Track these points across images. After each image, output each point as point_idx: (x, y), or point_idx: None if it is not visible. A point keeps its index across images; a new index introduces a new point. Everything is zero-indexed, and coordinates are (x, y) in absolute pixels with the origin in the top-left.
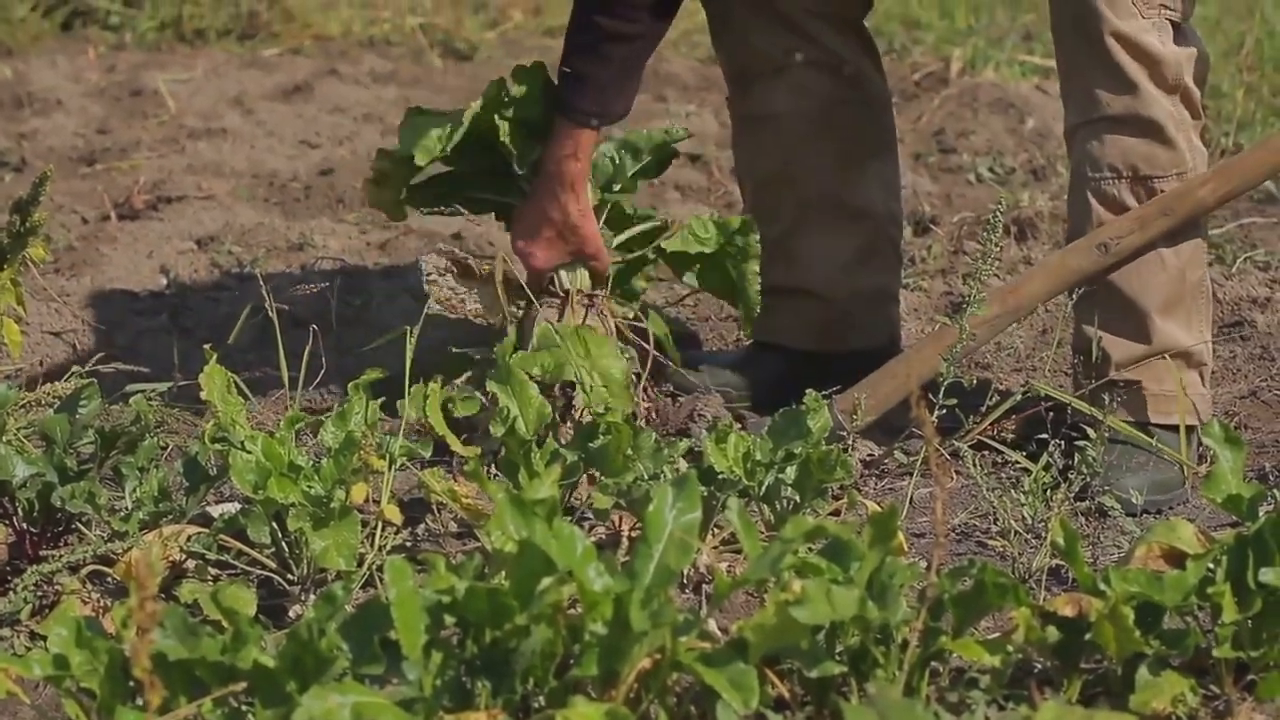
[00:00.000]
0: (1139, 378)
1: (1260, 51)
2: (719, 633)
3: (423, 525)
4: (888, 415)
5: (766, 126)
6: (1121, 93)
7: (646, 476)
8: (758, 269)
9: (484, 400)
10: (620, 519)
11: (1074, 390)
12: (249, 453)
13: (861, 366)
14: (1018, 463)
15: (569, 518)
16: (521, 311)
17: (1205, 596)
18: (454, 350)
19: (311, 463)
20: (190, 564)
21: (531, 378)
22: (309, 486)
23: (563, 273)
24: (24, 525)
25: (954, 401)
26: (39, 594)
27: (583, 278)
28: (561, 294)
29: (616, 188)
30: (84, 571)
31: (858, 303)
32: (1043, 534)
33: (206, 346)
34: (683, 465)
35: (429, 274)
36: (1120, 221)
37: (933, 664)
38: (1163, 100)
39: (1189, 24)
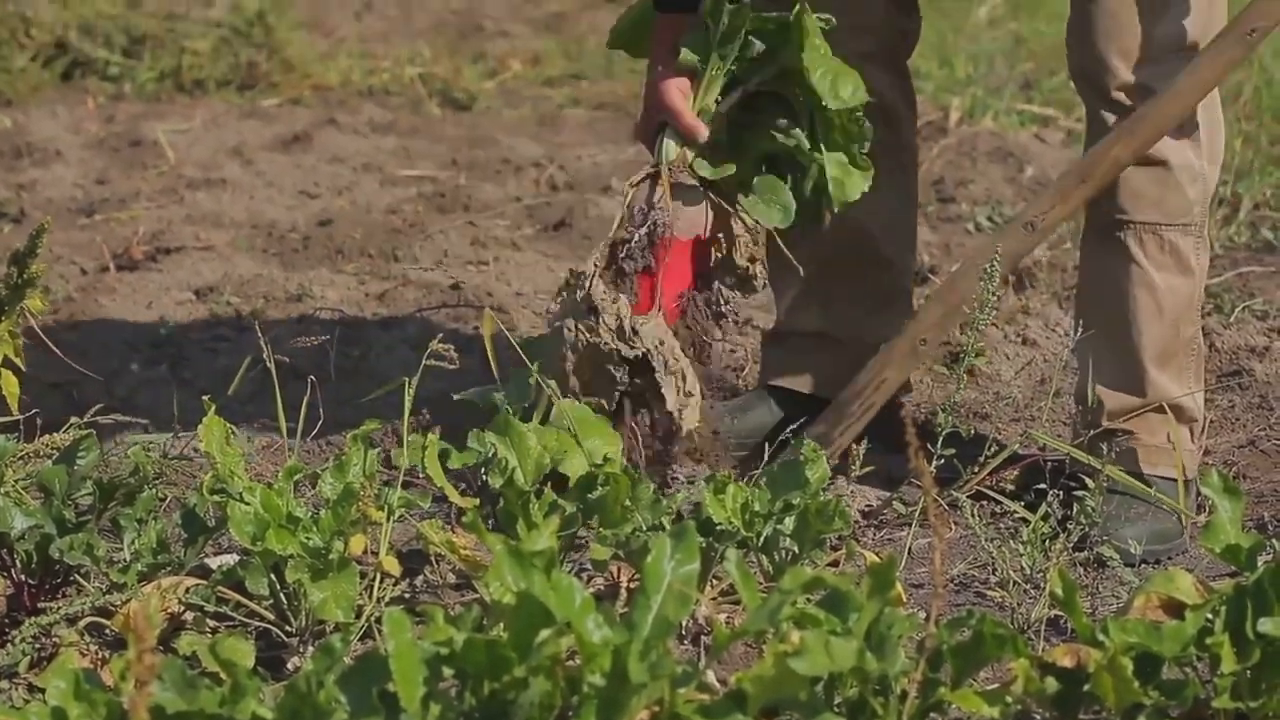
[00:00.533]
0: (1133, 429)
1: (1258, 100)
2: (718, 684)
3: (421, 576)
4: (887, 465)
5: None
6: None
7: (645, 527)
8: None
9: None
10: (619, 570)
11: (1073, 440)
12: (247, 504)
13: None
14: (1016, 513)
15: (567, 566)
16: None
17: (1204, 647)
18: (456, 399)
19: (310, 514)
20: (189, 616)
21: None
22: (307, 538)
23: (659, 147)
24: (22, 577)
25: (952, 451)
26: (37, 646)
27: (670, 149)
28: (651, 169)
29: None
30: (82, 623)
31: (871, 352)
32: (1041, 584)
33: (205, 397)
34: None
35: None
36: (1042, 198)
37: (931, 715)
38: (1178, 146)
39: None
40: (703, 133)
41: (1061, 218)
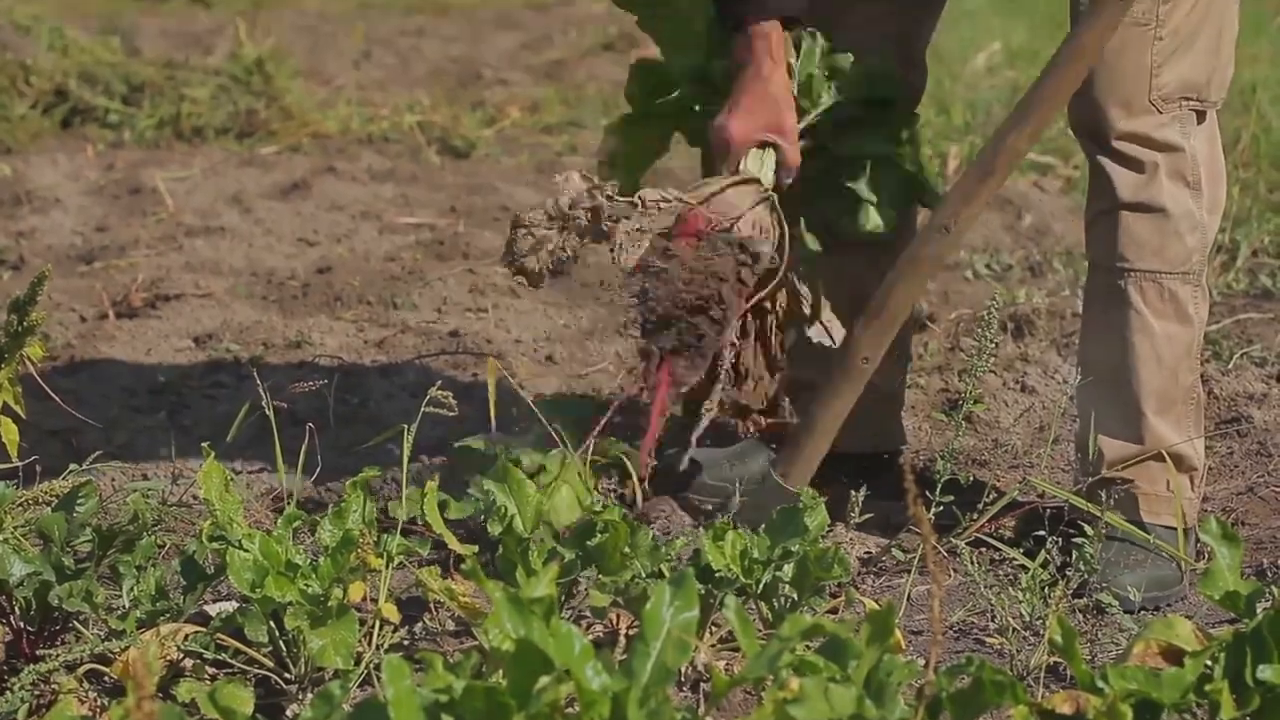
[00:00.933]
0: (1133, 477)
1: (1256, 147)
2: None
3: (420, 623)
4: (885, 512)
5: None
6: (1136, 184)
7: (644, 574)
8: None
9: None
10: (618, 617)
11: (1073, 488)
12: (246, 551)
13: (859, 468)
14: (1015, 560)
15: (566, 614)
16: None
17: (1203, 694)
18: (456, 446)
19: (309, 561)
20: (188, 663)
21: None
22: (306, 585)
23: (749, 158)
24: (21, 624)
25: (950, 498)
26: (36, 693)
27: (768, 165)
28: (757, 187)
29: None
30: (81, 670)
31: (864, 403)
32: (1041, 631)
33: (204, 444)
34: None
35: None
36: (948, 199)
37: None
38: (1179, 194)
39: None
40: (797, 162)
41: (973, 217)
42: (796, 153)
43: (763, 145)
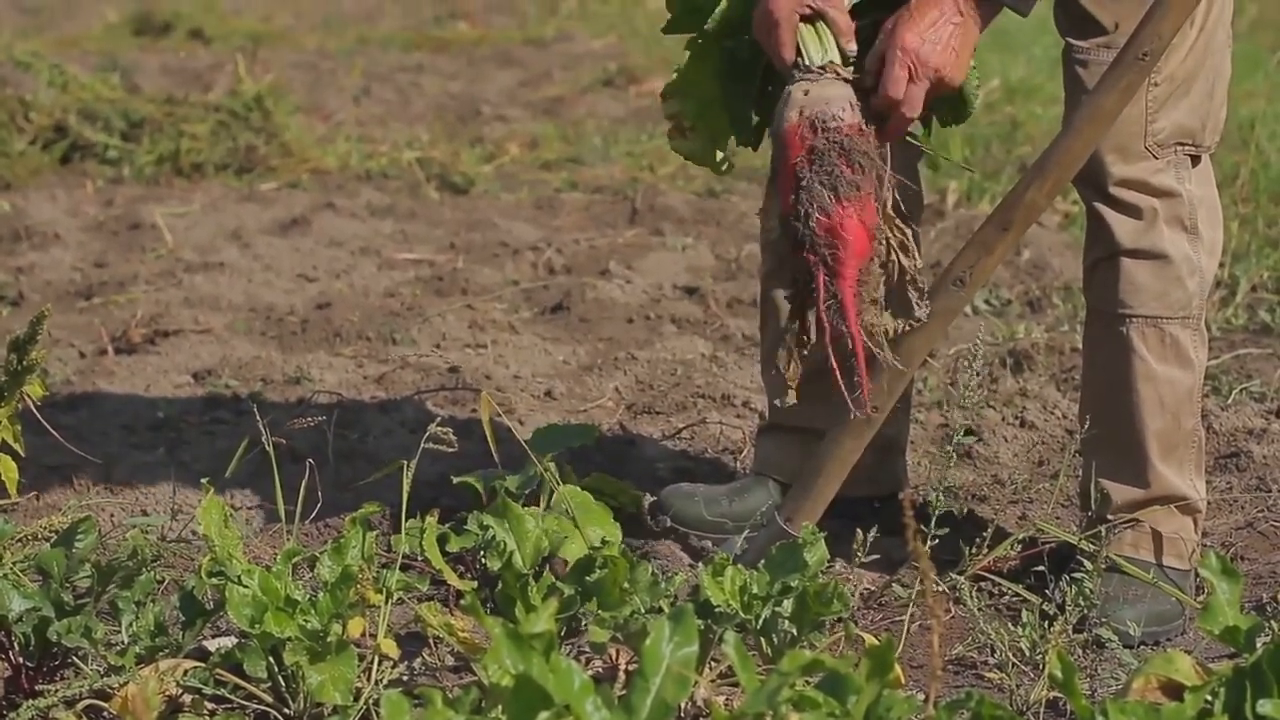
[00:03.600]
0: (1143, 519)
1: (1255, 183)
2: None
3: (419, 659)
4: (886, 548)
5: None
6: (1136, 230)
7: (643, 610)
8: None
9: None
10: (617, 653)
11: (1075, 525)
12: (245, 587)
13: (860, 513)
14: (1015, 594)
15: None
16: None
17: None
18: (456, 480)
19: (308, 597)
20: (187, 699)
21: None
22: (305, 620)
23: (807, 39)
24: (20, 659)
25: (946, 530)
26: None
27: (827, 40)
28: (806, 67)
29: None
30: (80, 706)
31: (868, 449)
32: (1040, 666)
33: (203, 480)
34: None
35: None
36: (965, 252)
37: None
38: (1177, 239)
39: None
40: (851, 27)
41: (989, 270)
42: (847, 18)
43: (808, 20)
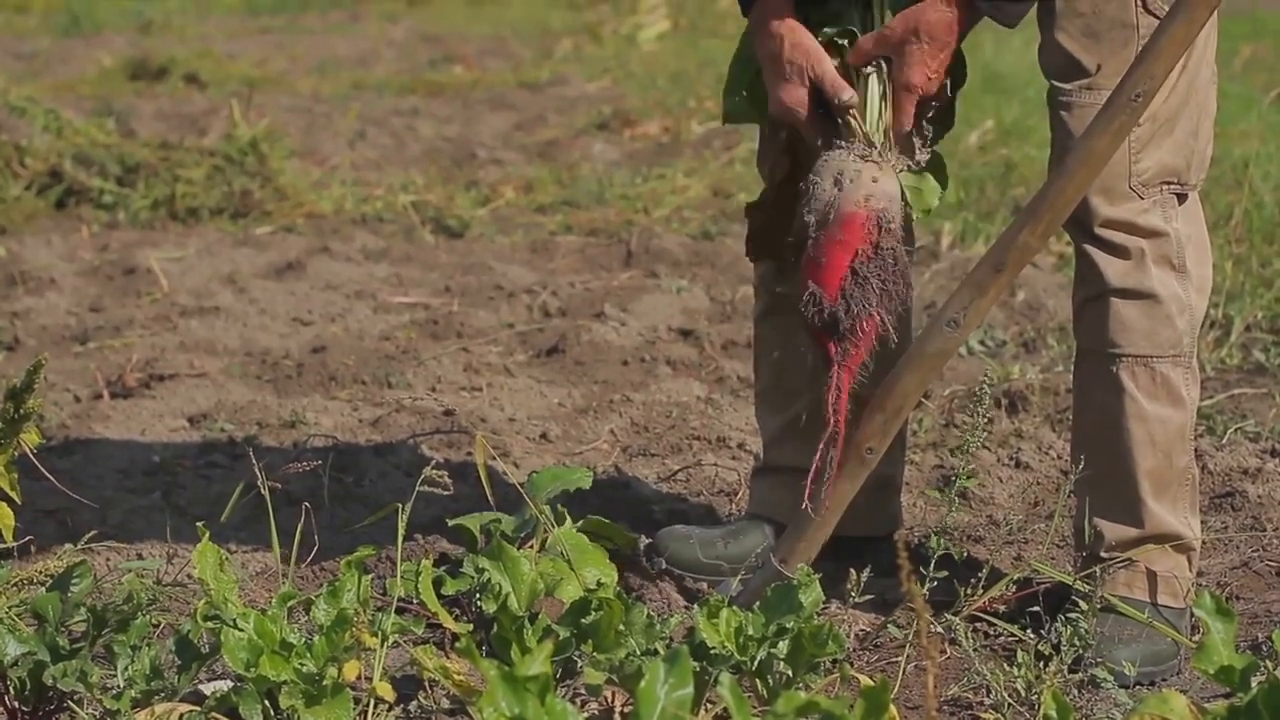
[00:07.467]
0: (1137, 557)
1: (1249, 223)
2: None
3: (415, 702)
4: (881, 589)
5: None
6: (1124, 270)
7: (639, 652)
8: None
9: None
10: (613, 695)
11: (1069, 564)
12: (241, 631)
13: (854, 552)
14: (1011, 634)
15: (561, 692)
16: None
17: None
18: (451, 523)
19: (304, 640)
20: None
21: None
22: (301, 664)
23: (851, 118)
24: (15, 704)
25: (944, 573)
26: None
27: (873, 109)
28: (853, 140)
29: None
30: None
31: (863, 489)
32: (1036, 706)
33: (199, 524)
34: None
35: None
36: (958, 293)
37: None
38: (1166, 278)
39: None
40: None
41: (981, 310)
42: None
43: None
